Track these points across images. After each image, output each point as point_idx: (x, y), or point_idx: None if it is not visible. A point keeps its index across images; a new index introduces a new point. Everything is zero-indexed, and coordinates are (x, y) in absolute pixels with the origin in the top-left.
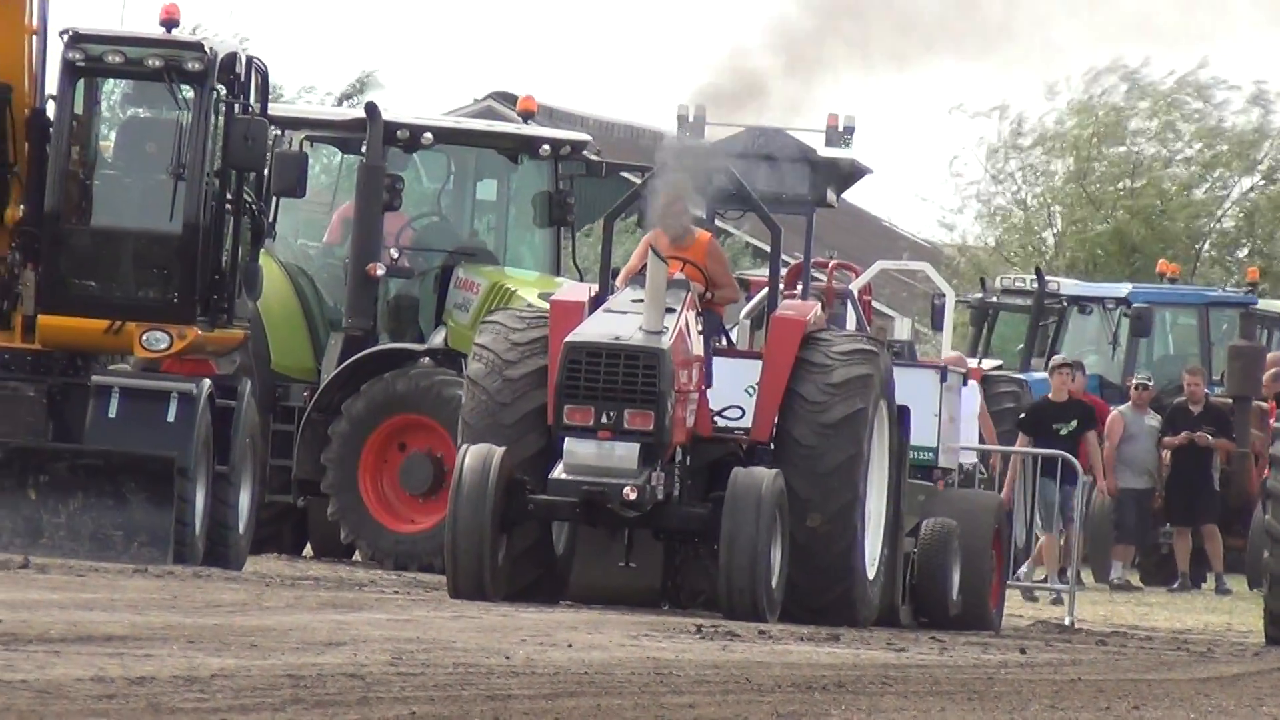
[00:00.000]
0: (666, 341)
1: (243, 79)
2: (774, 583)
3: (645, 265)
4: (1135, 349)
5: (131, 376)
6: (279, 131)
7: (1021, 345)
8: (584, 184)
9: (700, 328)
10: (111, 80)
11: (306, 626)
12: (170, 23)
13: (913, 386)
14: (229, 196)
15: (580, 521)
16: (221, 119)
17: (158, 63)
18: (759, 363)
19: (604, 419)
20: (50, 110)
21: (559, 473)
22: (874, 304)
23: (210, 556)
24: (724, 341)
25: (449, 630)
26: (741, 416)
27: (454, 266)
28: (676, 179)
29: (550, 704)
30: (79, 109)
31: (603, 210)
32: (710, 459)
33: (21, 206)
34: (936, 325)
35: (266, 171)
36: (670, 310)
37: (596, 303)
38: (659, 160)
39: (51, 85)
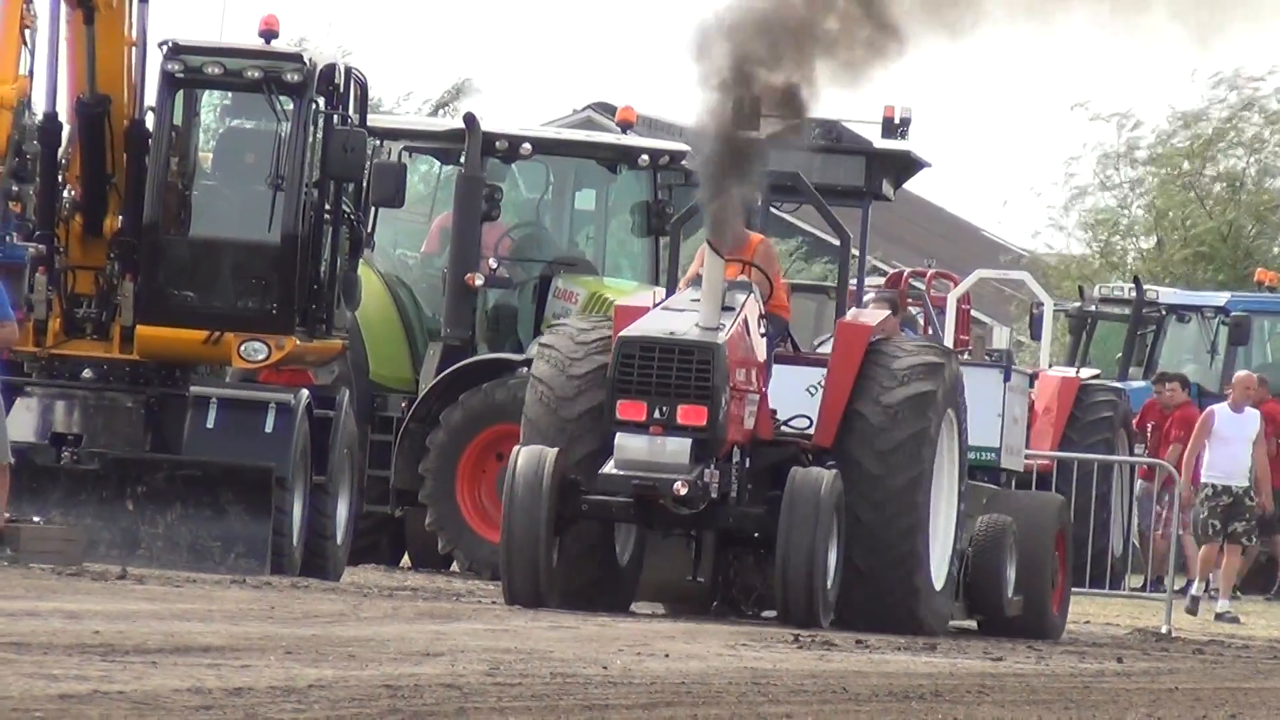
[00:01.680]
0: (722, 338)
1: (341, 90)
2: (829, 585)
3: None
4: (1233, 357)
5: (230, 387)
6: (378, 142)
7: (1120, 354)
8: (683, 193)
9: (763, 330)
10: (210, 91)
11: (404, 637)
12: (269, 34)
13: (976, 386)
14: (327, 207)
15: (633, 521)
16: (320, 130)
17: (257, 74)
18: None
19: (656, 414)
20: (149, 121)
21: (609, 468)
22: (973, 312)
23: (308, 567)
24: (789, 346)
25: (546, 640)
26: (809, 426)
27: (553, 276)
28: (723, 185)
29: (648, 714)
30: (178, 120)
31: (702, 219)
32: (771, 462)
33: (120, 217)
34: (1035, 334)
35: (365, 182)
36: (729, 309)
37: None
38: (705, 158)
39: (150, 97)
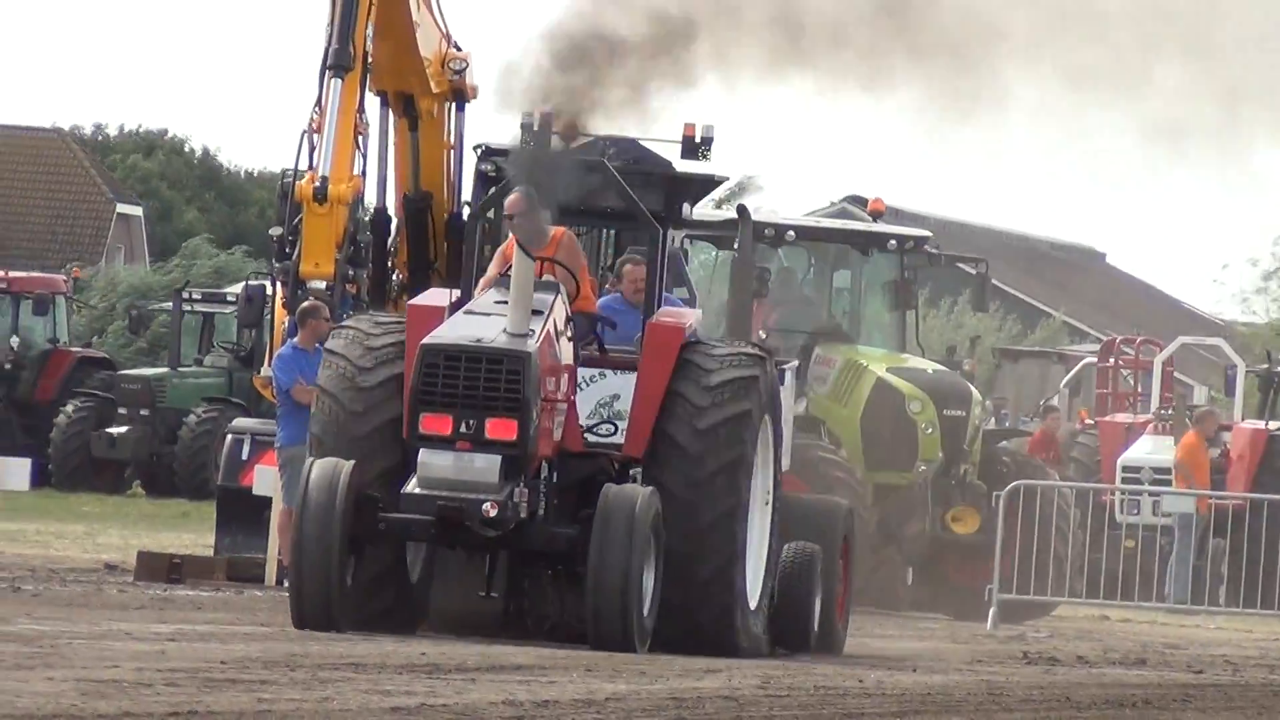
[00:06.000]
0: (532, 345)
1: None
2: (646, 610)
3: (509, 267)
4: None
5: None
6: None
7: None
8: (925, 273)
9: (570, 333)
10: None
11: (688, 656)
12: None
13: None
14: None
15: (436, 542)
16: None
17: None
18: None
19: (463, 428)
20: (465, 215)
21: (412, 487)
22: (1175, 374)
23: None
24: (596, 348)
25: (810, 657)
26: (614, 433)
27: (814, 345)
28: (523, 184)
29: None
30: (491, 214)
31: (942, 295)
32: (579, 476)
33: None
34: (1229, 392)
35: None
36: (537, 313)
37: (458, 308)
38: (510, 170)
39: (467, 192)
